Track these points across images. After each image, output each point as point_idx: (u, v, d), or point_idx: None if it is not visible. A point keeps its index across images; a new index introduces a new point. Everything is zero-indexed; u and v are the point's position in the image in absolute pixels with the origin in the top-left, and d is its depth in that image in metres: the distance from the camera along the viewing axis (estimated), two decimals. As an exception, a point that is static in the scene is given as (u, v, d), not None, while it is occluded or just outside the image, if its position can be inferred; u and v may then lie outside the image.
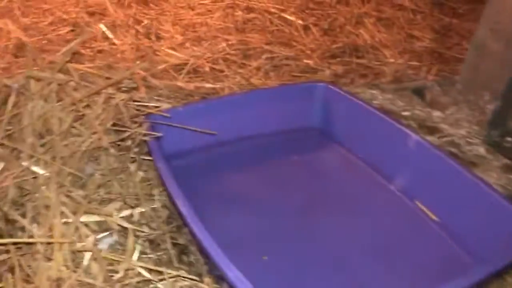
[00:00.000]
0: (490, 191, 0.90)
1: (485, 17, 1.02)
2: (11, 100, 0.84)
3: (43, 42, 1.48)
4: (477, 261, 0.89)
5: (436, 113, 1.12)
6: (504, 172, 0.98)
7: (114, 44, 1.54)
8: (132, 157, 0.91)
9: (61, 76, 0.88)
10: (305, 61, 1.59)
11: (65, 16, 1.67)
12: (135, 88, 1.03)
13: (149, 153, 0.93)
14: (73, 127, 0.87)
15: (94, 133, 0.84)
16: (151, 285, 0.77)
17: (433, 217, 0.97)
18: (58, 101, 0.88)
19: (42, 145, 0.84)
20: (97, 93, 0.91)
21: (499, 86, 1.01)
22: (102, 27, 1.61)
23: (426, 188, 0.99)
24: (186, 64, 1.42)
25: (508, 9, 0.95)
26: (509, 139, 1.07)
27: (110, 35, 1.58)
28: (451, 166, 0.95)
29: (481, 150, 1.02)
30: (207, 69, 1.46)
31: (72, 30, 1.55)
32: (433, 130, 1.07)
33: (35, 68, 0.92)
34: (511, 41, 0.97)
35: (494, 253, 0.84)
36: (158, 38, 1.65)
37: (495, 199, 0.90)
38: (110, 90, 0.93)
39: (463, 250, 0.93)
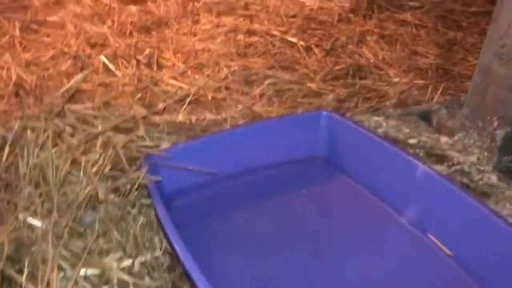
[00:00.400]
0: (503, 224, 0.87)
1: (489, 40, 0.99)
2: (6, 150, 0.82)
3: (44, 77, 1.48)
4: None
5: (444, 139, 1.08)
6: (518, 202, 0.94)
7: (115, 75, 1.53)
8: (132, 203, 0.89)
9: (57, 122, 0.86)
10: (308, 84, 1.56)
11: (66, 49, 1.67)
12: (134, 128, 1.01)
13: (149, 196, 0.91)
14: (70, 174, 0.85)
15: (92, 180, 0.82)
16: None
17: (447, 251, 0.94)
18: (54, 147, 0.87)
19: (39, 196, 0.82)
20: (95, 136, 0.90)
21: (508, 111, 0.97)
22: (103, 58, 1.60)
23: (438, 220, 0.95)
24: (187, 95, 1.40)
25: None
26: (521, 165, 1.03)
27: (111, 67, 1.57)
28: (462, 197, 0.91)
29: (493, 178, 0.98)
30: (208, 98, 1.44)
31: (74, 64, 1.54)
32: (441, 158, 1.04)
33: (32, 112, 0.91)
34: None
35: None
36: (160, 67, 1.64)
37: (508, 232, 0.86)
38: (109, 133, 0.91)
39: (477, 285, 0.89)
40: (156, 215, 0.86)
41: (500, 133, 1.00)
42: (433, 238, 0.95)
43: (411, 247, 0.96)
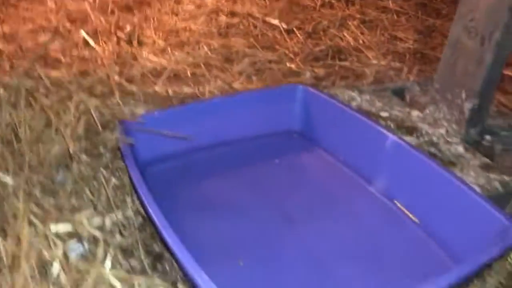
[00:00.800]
0: (468, 191, 0.89)
1: (459, 15, 1.01)
2: (-21, 108, 0.82)
3: (22, 49, 1.47)
4: (457, 261, 0.88)
5: (415, 113, 1.11)
6: (482, 171, 0.97)
7: (95, 51, 1.53)
8: (105, 164, 0.90)
9: (30, 82, 0.86)
10: (287, 64, 1.58)
11: (45, 24, 1.66)
12: (109, 94, 1.02)
13: (122, 159, 0.92)
14: (44, 134, 0.86)
15: (65, 140, 0.83)
16: (123, 294, 0.75)
17: (413, 218, 0.96)
18: (28, 107, 0.87)
19: (11, 153, 0.83)
20: (69, 98, 0.90)
21: (476, 84, 1.00)
22: (83, 33, 1.60)
23: (405, 189, 0.98)
24: (166, 69, 1.40)
25: (481, 6, 0.95)
26: (487, 137, 1.06)
27: (91, 42, 1.57)
28: (429, 166, 0.94)
29: (460, 149, 1.01)
30: (188, 73, 1.45)
31: (53, 38, 1.53)
32: (411, 130, 1.07)
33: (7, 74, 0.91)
34: (486, 38, 0.96)
35: (473, 253, 0.83)
36: (140, 44, 1.64)
37: (473, 199, 0.89)
38: (83, 96, 0.92)
39: (443, 251, 0.92)
40: (129, 176, 0.87)
41: (468, 106, 1.03)
42: (400, 206, 0.98)
43: (379, 214, 0.98)
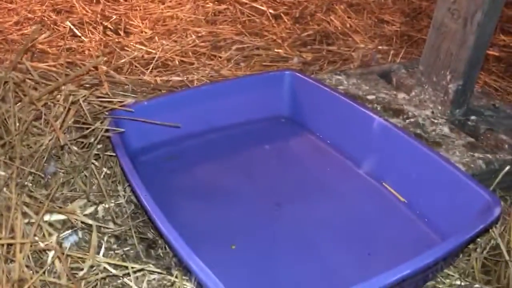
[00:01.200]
0: (453, 170, 0.91)
1: (443, -3, 1.03)
2: (-33, 102, 0.83)
3: (7, 41, 1.46)
4: (444, 238, 0.91)
5: (401, 95, 1.12)
6: (467, 151, 0.99)
7: (81, 41, 1.53)
8: (95, 154, 0.91)
9: (18, 75, 0.87)
10: (276, 50, 1.59)
11: (30, 15, 1.65)
12: (98, 84, 1.02)
13: (113, 149, 0.93)
14: (34, 126, 0.86)
15: (54, 131, 0.83)
16: (119, 281, 0.77)
17: (401, 198, 0.99)
18: (17, 101, 0.88)
19: (2, 146, 0.83)
20: (57, 90, 0.90)
21: (459, 65, 1.02)
22: (69, 24, 1.59)
23: (393, 170, 1.00)
24: (154, 58, 1.41)
25: None
26: (472, 117, 1.08)
27: (78, 33, 1.56)
28: (416, 147, 0.96)
29: (445, 129, 1.03)
30: (176, 62, 1.45)
31: (38, 29, 1.52)
32: (398, 112, 1.08)
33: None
34: (469, 20, 0.98)
35: (459, 230, 0.85)
36: (127, 33, 1.63)
37: (458, 178, 0.91)
38: (72, 87, 0.92)
39: (430, 229, 0.94)
40: (120, 166, 0.88)
41: (452, 87, 1.04)
42: (388, 187, 1.00)
43: (368, 196, 1.00)
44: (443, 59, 1.04)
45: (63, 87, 0.90)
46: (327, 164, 1.07)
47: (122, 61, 1.30)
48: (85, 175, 0.87)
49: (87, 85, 1.02)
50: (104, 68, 1.09)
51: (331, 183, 1.03)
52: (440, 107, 1.07)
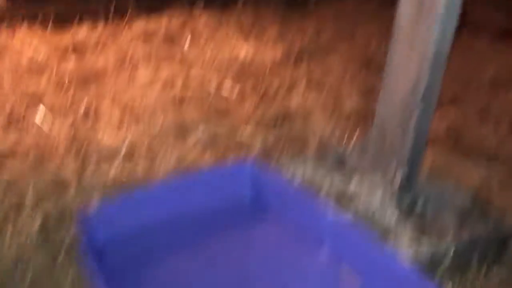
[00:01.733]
0: (399, 262, 1.00)
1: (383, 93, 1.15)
2: None
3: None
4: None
5: (353, 182, 1.21)
6: (414, 239, 1.07)
7: (50, 136, 1.55)
8: (62, 258, 0.94)
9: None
10: (240, 133, 1.66)
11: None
12: (66, 185, 1.07)
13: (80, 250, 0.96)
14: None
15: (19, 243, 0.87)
16: None
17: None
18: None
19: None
20: (22, 201, 0.94)
21: (404, 152, 1.11)
22: (37, 119, 1.63)
23: (348, 258, 1.06)
24: (122, 148, 1.46)
25: (400, 80, 1.09)
26: (420, 202, 1.16)
27: (45, 128, 1.59)
28: (365, 239, 1.03)
29: (393, 217, 1.11)
30: (143, 150, 1.51)
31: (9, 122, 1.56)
32: (349, 202, 1.16)
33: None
34: (406, 110, 1.09)
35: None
36: (97, 118, 1.69)
37: (404, 269, 0.99)
38: (38, 195, 0.96)
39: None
40: (88, 270, 0.91)
41: (399, 173, 1.13)
42: (346, 271, 1.06)
43: (327, 278, 1.06)
44: (388, 147, 1.14)
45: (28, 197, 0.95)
46: (289, 248, 1.13)
47: (91, 155, 1.35)
48: (53, 278, 0.90)
49: (54, 187, 1.07)
50: (72, 165, 1.13)
51: (292, 266, 1.08)
52: (388, 193, 1.15)
